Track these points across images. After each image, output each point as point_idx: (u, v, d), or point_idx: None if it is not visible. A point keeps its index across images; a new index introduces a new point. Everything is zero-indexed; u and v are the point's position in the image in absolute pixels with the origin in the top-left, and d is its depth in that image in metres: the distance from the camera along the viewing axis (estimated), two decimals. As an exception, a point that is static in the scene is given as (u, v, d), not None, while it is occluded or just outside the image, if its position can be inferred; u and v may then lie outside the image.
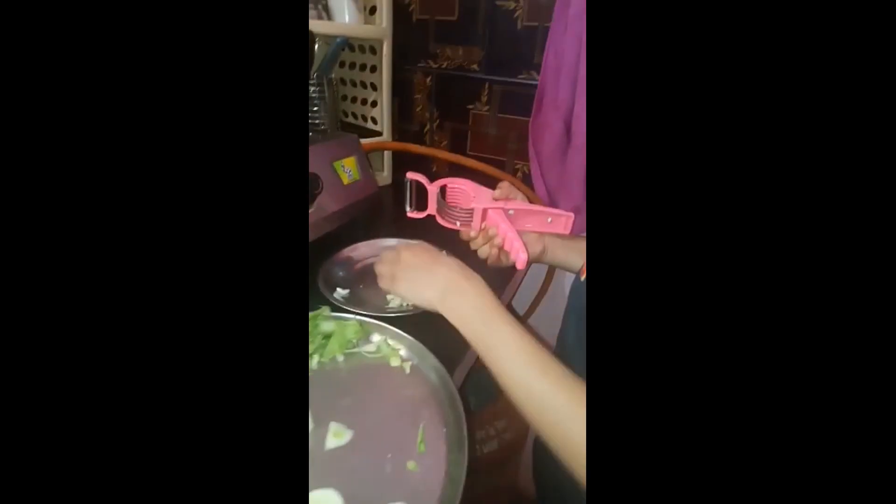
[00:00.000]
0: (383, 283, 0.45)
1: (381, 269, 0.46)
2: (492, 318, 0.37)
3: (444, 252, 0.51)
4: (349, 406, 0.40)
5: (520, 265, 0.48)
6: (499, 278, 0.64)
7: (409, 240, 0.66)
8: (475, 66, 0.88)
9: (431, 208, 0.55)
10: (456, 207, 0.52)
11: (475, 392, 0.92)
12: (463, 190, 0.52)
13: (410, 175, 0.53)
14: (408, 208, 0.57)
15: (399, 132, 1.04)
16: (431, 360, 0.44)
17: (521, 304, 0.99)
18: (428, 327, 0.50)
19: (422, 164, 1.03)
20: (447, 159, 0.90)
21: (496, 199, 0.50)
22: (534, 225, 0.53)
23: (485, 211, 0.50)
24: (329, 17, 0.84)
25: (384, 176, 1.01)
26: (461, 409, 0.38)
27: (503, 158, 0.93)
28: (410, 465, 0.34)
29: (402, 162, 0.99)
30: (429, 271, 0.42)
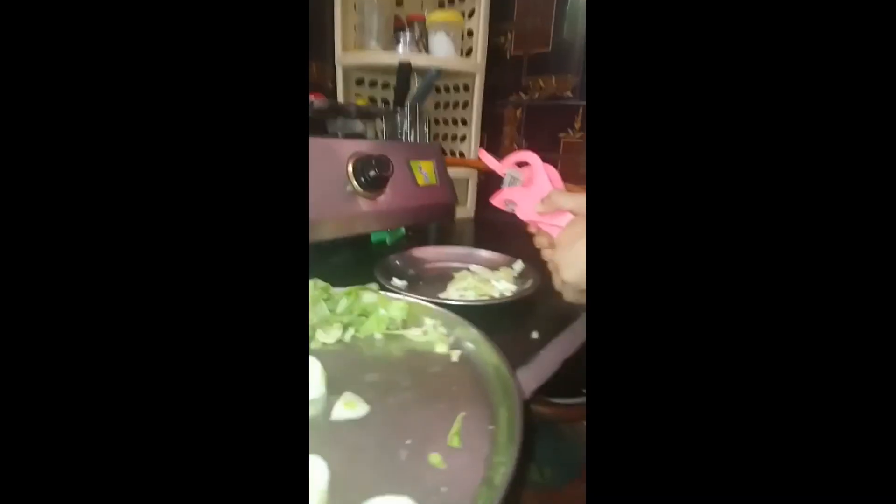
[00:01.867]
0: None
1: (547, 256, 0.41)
2: None
3: None
4: (373, 382, 0.31)
5: None
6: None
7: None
8: (569, 93, 0.84)
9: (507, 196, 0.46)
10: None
11: (553, 463, 0.73)
12: (526, 181, 0.44)
13: (482, 154, 0.47)
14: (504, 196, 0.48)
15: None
16: (486, 348, 0.34)
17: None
18: (493, 322, 0.40)
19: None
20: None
21: (539, 213, 0.41)
22: None
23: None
24: (428, 53, 0.90)
25: (467, 209, 0.98)
26: (519, 406, 0.27)
27: (597, 187, 0.84)
28: (434, 458, 0.23)
29: (488, 196, 0.96)
30: (571, 248, 0.38)
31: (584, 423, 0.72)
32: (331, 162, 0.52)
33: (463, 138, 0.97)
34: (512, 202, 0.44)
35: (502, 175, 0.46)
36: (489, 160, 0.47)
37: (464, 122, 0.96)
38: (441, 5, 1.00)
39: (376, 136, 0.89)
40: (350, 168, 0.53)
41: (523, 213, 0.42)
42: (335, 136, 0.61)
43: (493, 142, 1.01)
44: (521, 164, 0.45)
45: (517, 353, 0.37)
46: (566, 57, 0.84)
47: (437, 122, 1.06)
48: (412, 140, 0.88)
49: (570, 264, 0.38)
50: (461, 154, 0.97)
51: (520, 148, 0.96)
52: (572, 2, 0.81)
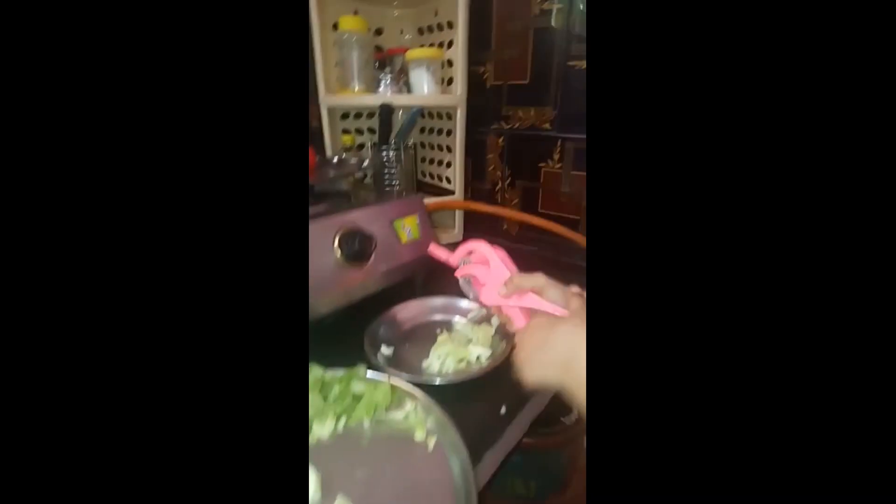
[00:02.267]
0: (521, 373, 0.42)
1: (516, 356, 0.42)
2: None
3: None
4: (362, 479, 0.37)
5: None
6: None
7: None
8: (547, 126, 0.87)
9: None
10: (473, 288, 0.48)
11: (538, 476, 0.81)
12: (481, 268, 0.48)
13: (432, 249, 0.51)
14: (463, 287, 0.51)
15: (473, 190, 1.06)
16: (454, 437, 0.40)
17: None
18: (467, 398, 0.46)
19: (492, 222, 1.03)
20: (513, 218, 0.88)
21: (503, 297, 0.45)
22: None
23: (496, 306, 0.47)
24: (409, 92, 0.92)
25: (454, 233, 1.02)
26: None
27: (577, 217, 0.87)
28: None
29: (474, 219, 1.00)
30: (544, 348, 0.39)
31: (564, 445, 0.80)
32: (318, 240, 0.57)
33: (449, 164, 1.00)
34: (470, 277, 0.48)
35: (456, 266, 0.50)
36: (441, 252, 0.51)
37: (448, 150, 0.99)
38: (420, 32, 1.01)
39: (364, 177, 0.93)
40: (336, 243, 0.58)
41: (487, 299, 0.47)
42: (319, 202, 0.66)
43: (478, 169, 1.04)
44: (471, 253, 0.49)
45: (486, 433, 0.43)
46: (544, 89, 0.85)
47: (423, 146, 1.09)
48: (399, 178, 0.92)
49: (530, 366, 0.40)
50: (447, 179, 1.01)
51: (503, 175, 0.99)
52: (546, 38, 0.82)
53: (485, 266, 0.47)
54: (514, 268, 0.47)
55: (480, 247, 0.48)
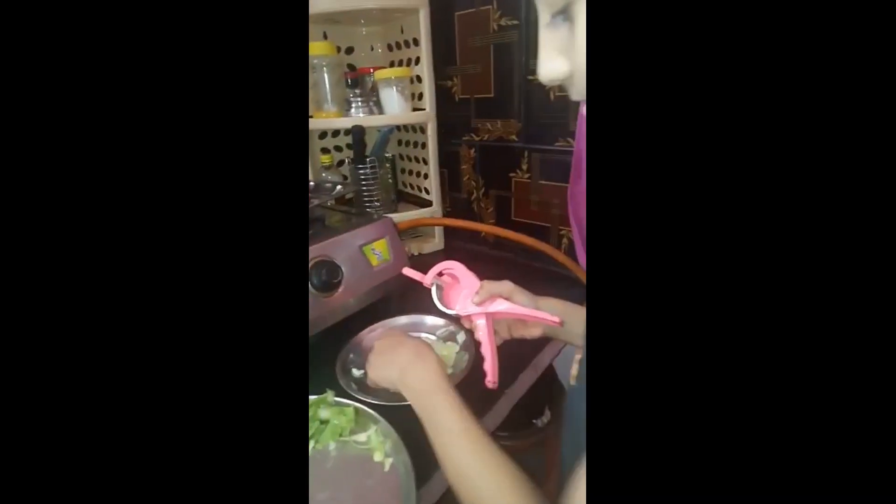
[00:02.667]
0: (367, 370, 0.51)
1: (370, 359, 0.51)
2: (437, 398, 0.40)
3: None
4: (322, 501, 0.42)
5: (489, 385, 0.48)
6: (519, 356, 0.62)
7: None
8: (514, 137, 0.89)
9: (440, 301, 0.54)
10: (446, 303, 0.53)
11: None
12: (452, 283, 0.53)
13: (405, 271, 0.56)
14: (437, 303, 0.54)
15: (450, 200, 1.09)
16: (405, 458, 0.45)
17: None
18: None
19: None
20: (486, 231, 0.92)
21: (477, 304, 0.50)
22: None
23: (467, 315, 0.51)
24: (380, 111, 0.95)
25: (436, 242, 1.06)
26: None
27: (547, 224, 0.90)
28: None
29: (454, 228, 1.04)
30: (391, 352, 0.47)
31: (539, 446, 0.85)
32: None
33: (425, 175, 1.03)
34: (441, 286, 0.53)
35: (429, 287, 0.54)
36: (413, 274, 0.55)
37: (424, 161, 1.02)
38: (390, 48, 1.03)
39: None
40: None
41: (462, 310, 0.51)
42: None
43: (454, 179, 1.07)
44: (442, 273, 0.54)
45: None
46: (508, 103, 0.88)
47: (401, 157, 1.12)
48: (377, 194, 0.95)
49: (374, 367, 0.49)
50: (425, 189, 1.04)
51: (477, 185, 1.02)
52: (506, 53, 0.84)
53: (455, 281, 0.52)
54: (479, 281, 0.52)
55: (453, 266, 0.53)
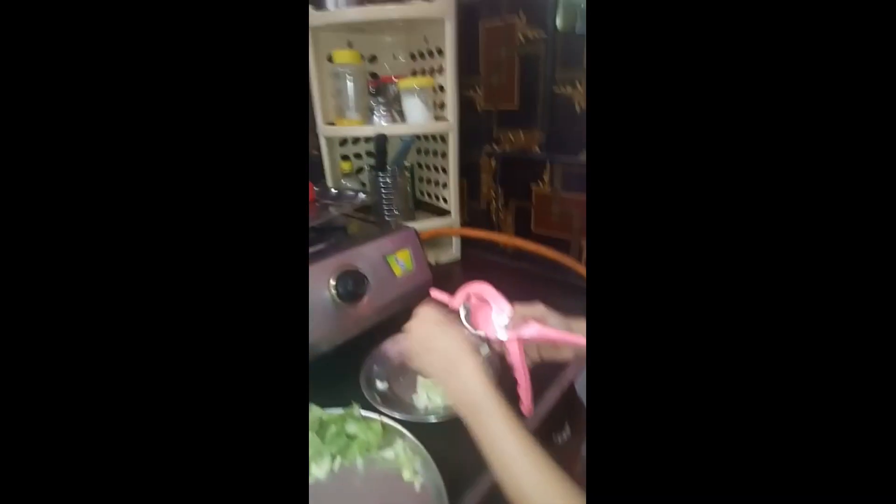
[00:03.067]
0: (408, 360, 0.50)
1: (406, 345, 0.50)
2: (483, 402, 0.39)
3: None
4: (353, 521, 0.41)
5: (525, 413, 0.47)
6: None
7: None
8: (537, 148, 0.89)
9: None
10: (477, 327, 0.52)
11: None
12: (480, 305, 0.52)
13: (433, 293, 0.54)
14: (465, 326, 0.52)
15: (469, 210, 1.09)
16: (437, 479, 0.44)
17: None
18: (453, 436, 0.50)
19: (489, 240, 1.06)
20: (506, 243, 0.91)
21: (509, 328, 0.49)
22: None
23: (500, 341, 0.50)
24: (403, 119, 0.95)
25: (452, 252, 1.05)
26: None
27: (567, 237, 0.90)
28: None
29: (472, 238, 1.03)
30: (429, 349, 0.46)
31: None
32: (314, 281, 0.61)
33: (444, 185, 1.03)
34: (469, 308, 0.52)
35: (456, 310, 0.53)
36: (441, 296, 0.54)
37: (444, 171, 1.01)
38: (413, 58, 1.03)
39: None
40: (332, 284, 0.62)
41: (493, 334, 0.50)
42: (317, 240, 0.70)
43: (473, 189, 1.06)
44: (469, 297, 0.52)
45: (469, 473, 0.47)
46: (532, 114, 0.87)
47: (420, 166, 1.12)
48: (396, 203, 0.95)
49: (416, 359, 0.47)
50: (444, 199, 1.04)
51: (496, 196, 1.02)
52: (531, 65, 0.84)
53: (485, 305, 0.51)
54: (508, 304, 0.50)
55: (482, 289, 0.51)
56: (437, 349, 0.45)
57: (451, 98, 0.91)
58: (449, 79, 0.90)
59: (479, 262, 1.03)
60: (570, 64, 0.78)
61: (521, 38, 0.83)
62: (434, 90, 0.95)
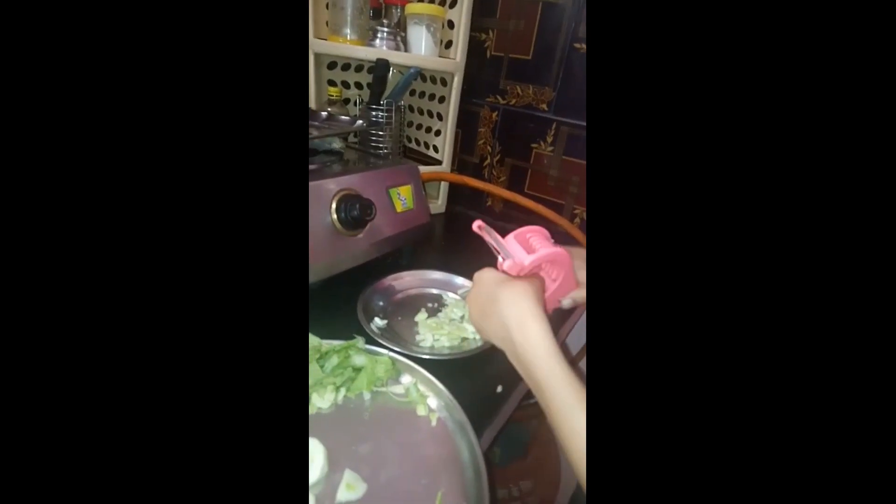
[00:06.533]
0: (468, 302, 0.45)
1: (468, 306, 0.45)
2: (550, 377, 0.35)
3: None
4: (367, 454, 0.37)
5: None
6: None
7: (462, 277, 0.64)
8: (544, 106, 0.86)
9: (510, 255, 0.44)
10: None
11: (503, 444, 0.86)
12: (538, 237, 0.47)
13: (480, 226, 0.45)
14: (500, 260, 0.44)
15: (460, 163, 1.04)
16: (460, 415, 0.41)
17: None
18: (464, 375, 0.47)
19: (476, 196, 1.02)
20: (503, 196, 0.88)
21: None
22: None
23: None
24: (406, 49, 0.86)
25: (438, 204, 1.00)
26: (486, 482, 0.34)
27: (562, 202, 0.89)
28: (422, 538, 0.31)
29: (458, 192, 0.99)
30: (494, 311, 0.40)
31: (530, 419, 0.85)
32: (313, 202, 0.53)
33: (438, 132, 0.97)
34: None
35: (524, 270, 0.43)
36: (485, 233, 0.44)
37: (439, 117, 0.95)
38: (421, -14, 0.94)
39: (354, 136, 0.87)
40: (333, 207, 0.55)
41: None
42: (315, 162, 0.61)
43: (468, 141, 1.01)
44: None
45: (485, 411, 0.45)
46: (546, 69, 0.84)
47: (412, 109, 1.04)
48: (387, 141, 0.87)
49: (478, 327, 0.44)
50: (435, 148, 0.98)
51: (492, 151, 0.98)
52: (555, 15, 0.80)
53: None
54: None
55: (559, 256, 0.44)
56: (504, 311, 0.39)
57: (461, 35, 0.85)
58: (463, 14, 0.83)
59: (464, 218, 0.99)
60: (597, 20, 0.76)
61: (550, -18, 0.79)
62: (442, 26, 0.88)
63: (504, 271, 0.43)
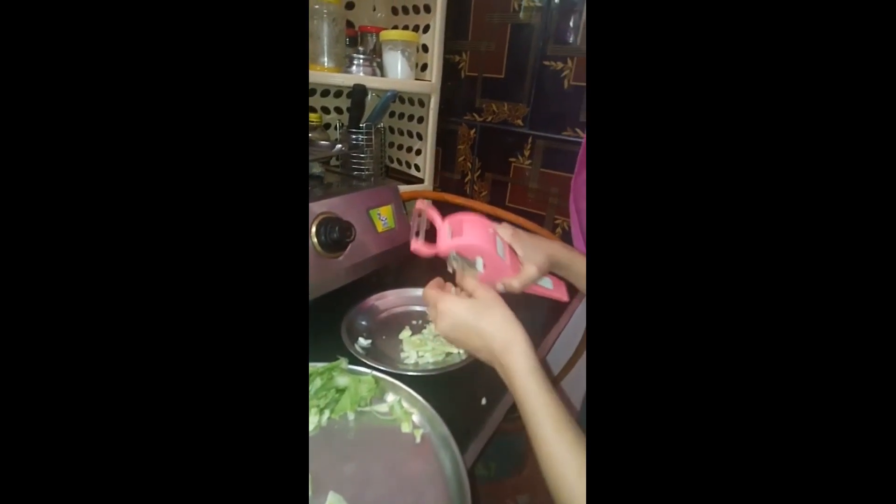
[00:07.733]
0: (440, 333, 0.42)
1: (438, 325, 0.42)
2: (535, 381, 0.35)
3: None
4: (352, 475, 0.37)
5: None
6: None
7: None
8: (519, 122, 0.89)
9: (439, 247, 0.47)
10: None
11: (498, 458, 0.86)
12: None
13: (421, 205, 0.49)
14: (413, 239, 0.48)
15: (442, 180, 1.06)
16: (442, 429, 0.41)
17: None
18: (448, 389, 0.47)
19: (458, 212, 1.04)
20: (484, 211, 0.90)
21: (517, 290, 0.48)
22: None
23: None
24: (382, 74, 0.89)
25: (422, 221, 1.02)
26: (468, 495, 0.35)
27: (542, 213, 0.91)
28: (406, 557, 0.31)
29: (442, 209, 1.00)
30: (476, 331, 0.39)
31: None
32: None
33: (419, 152, 0.99)
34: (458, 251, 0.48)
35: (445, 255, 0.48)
36: (425, 249, 0.48)
37: (419, 137, 0.97)
38: (395, 12, 0.98)
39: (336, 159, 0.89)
40: (313, 231, 0.56)
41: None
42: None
43: (448, 159, 1.04)
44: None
45: (469, 424, 0.45)
46: (518, 86, 0.87)
47: (392, 131, 1.06)
48: (368, 163, 0.89)
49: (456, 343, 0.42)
50: (416, 167, 1.00)
51: (472, 167, 1.00)
52: (523, 35, 0.83)
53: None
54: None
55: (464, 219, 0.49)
56: (484, 330, 0.39)
57: (435, 58, 0.88)
58: (436, 38, 0.86)
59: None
60: (564, 39, 0.79)
61: (516, 5, 0.82)
62: (417, 50, 0.90)
63: (416, 249, 0.46)
